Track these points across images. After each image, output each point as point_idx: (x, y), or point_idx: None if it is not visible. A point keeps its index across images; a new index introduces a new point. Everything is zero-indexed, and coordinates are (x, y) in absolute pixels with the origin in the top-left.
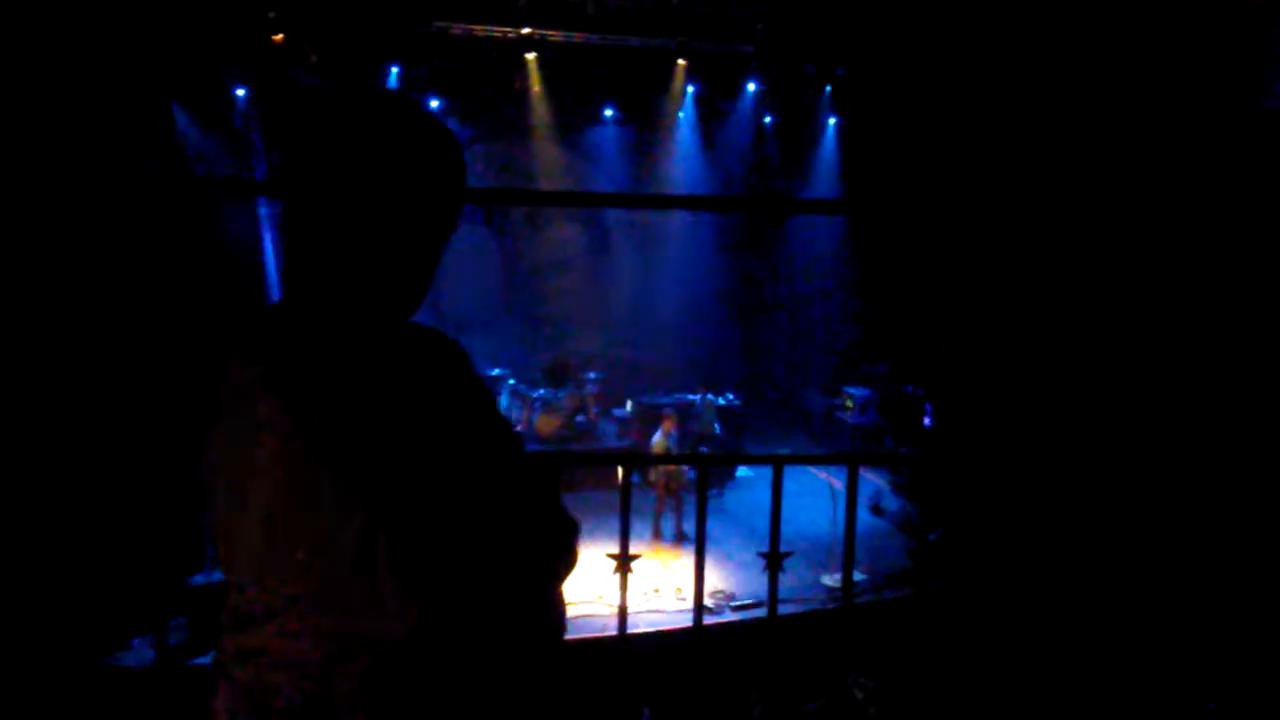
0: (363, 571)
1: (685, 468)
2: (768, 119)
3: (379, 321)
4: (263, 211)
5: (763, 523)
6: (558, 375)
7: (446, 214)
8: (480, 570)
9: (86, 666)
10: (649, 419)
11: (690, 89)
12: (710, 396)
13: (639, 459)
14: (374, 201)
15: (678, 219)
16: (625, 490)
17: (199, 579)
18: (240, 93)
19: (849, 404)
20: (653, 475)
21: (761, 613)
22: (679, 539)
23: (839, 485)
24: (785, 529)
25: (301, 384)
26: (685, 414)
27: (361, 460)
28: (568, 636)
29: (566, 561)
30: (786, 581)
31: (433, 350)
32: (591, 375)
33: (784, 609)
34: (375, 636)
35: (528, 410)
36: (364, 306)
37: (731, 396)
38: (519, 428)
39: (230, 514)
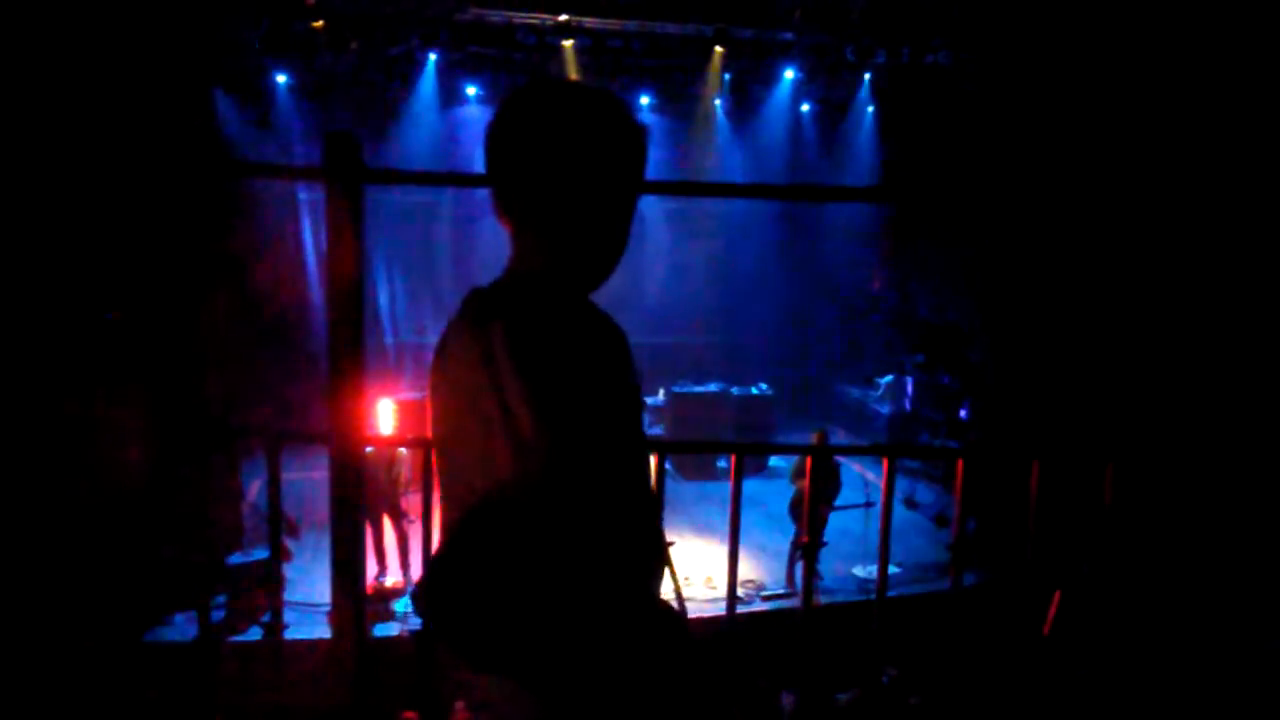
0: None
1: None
2: (805, 107)
3: (580, 293)
4: (302, 197)
5: None
6: None
7: (635, 196)
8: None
9: (128, 643)
10: (682, 407)
11: (727, 76)
12: (904, 379)
13: (672, 446)
14: (580, 189)
15: (712, 207)
16: (659, 478)
17: (237, 558)
18: (281, 79)
19: (883, 395)
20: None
21: (793, 603)
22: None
23: (872, 477)
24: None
25: (527, 335)
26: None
27: (562, 395)
28: None
29: (660, 559)
30: (820, 573)
31: (611, 327)
32: None
33: (817, 600)
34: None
35: None
36: (569, 280)
37: (764, 386)
38: None
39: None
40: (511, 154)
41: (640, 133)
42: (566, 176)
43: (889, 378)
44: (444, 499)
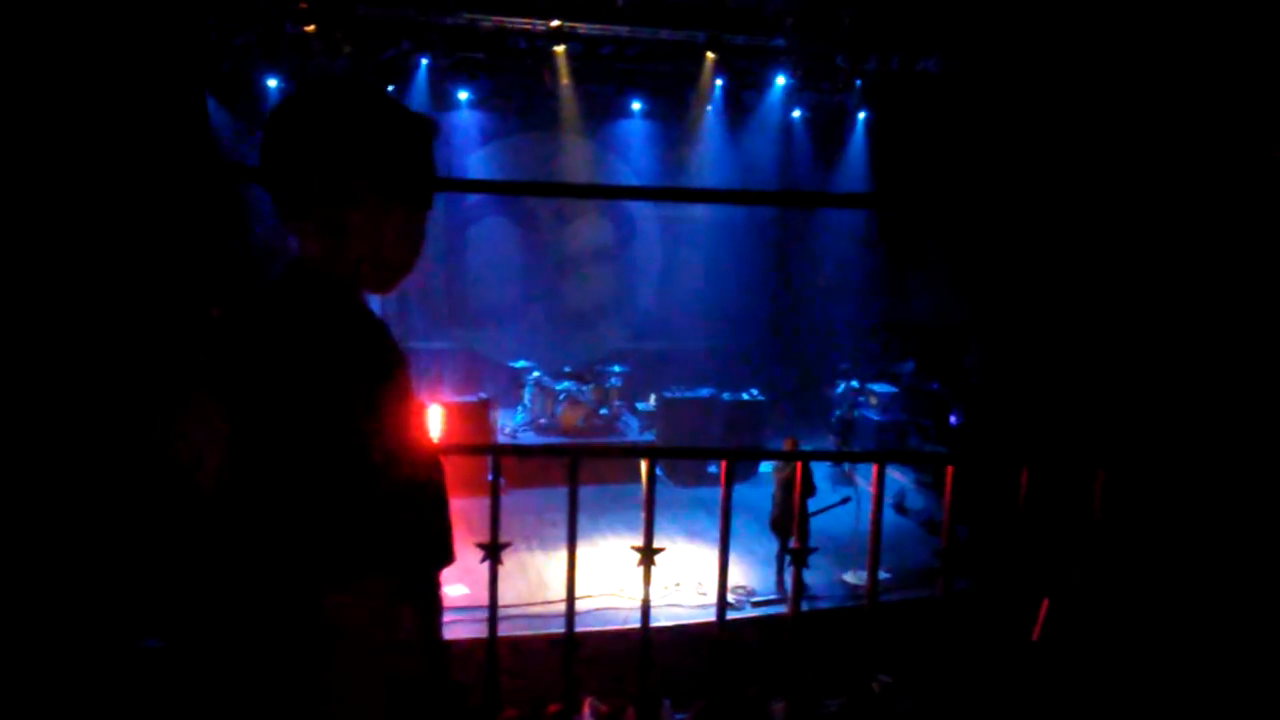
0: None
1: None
2: (797, 113)
3: (349, 299)
4: None
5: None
6: (584, 375)
7: (419, 196)
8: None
9: (123, 648)
10: (673, 412)
11: (719, 83)
12: (851, 384)
13: (663, 451)
14: (343, 188)
15: (705, 213)
16: (650, 483)
17: None
18: (272, 83)
19: (873, 401)
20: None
21: (783, 609)
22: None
23: (862, 483)
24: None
25: (236, 374)
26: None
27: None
28: (590, 629)
29: (438, 557)
30: (809, 579)
31: (372, 338)
32: (616, 368)
33: (806, 606)
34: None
35: (551, 403)
36: (345, 280)
37: (755, 391)
38: (543, 420)
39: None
40: (281, 151)
41: (420, 130)
42: (334, 174)
43: (840, 386)
44: None
